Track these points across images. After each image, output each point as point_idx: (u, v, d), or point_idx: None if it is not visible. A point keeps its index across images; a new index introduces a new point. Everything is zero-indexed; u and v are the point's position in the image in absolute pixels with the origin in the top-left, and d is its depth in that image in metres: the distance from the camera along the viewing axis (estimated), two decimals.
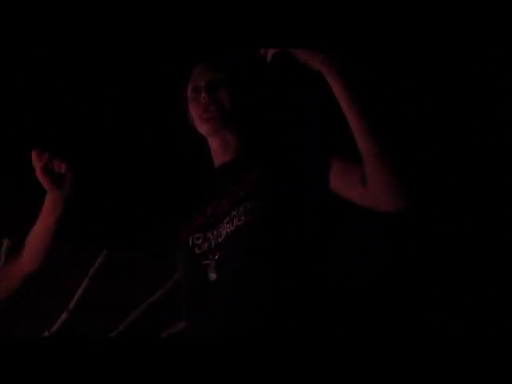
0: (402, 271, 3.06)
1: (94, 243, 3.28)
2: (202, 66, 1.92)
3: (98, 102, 2.92)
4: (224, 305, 1.68)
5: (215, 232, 1.76)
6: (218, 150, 1.89)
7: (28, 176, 1.86)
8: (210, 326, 1.69)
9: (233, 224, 1.72)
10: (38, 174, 1.82)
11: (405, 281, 3.06)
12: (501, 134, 3.00)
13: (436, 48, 2.41)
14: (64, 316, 3.51)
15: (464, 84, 2.90)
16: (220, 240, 1.74)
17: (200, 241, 1.78)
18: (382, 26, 1.85)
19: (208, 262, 1.73)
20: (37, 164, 1.81)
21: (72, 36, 2.53)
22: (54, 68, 2.77)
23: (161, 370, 1.58)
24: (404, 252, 3.10)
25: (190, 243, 1.80)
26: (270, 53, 1.63)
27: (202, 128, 1.87)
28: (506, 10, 2.26)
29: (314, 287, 1.69)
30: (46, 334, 3.54)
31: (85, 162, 2.98)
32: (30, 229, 1.94)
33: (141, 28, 2.09)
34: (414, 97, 2.92)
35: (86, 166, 2.99)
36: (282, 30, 1.67)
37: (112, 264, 3.47)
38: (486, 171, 3.08)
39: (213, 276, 1.71)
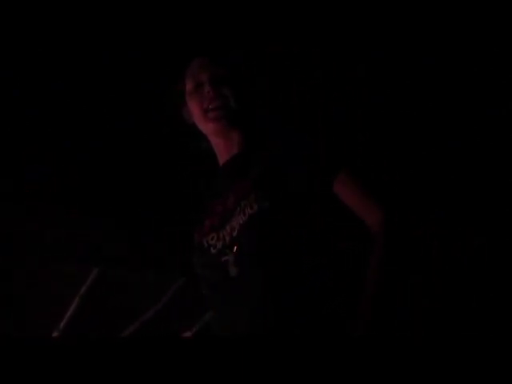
0: (401, 271, 3.06)
1: (86, 261, 3.27)
2: (201, 61, 1.84)
3: (97, 101, 2.92)
4: (249, 298, 1.63)
5: (228, 227, 1.71)
6: (223, 149, 1.84)
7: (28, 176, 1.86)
8: (238, 321, 1.64)
9: (245, 214, 1.67)
10: None
11: (404, 281, 3.06)
12: (501, 134, 3.00)
13: (436, 48, 2.41)
14: (55, 335, 3.52)
15: (464, 84, 2.90)
16: (234, 234, 1.69)
17: (214, 240, 1.73)
18: (381, 25, 1.85)
19: (227, 258, 1.68)
20: None
21: (72, 36, 2.53)
22: (54, 68, 2.77)
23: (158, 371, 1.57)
24: (404, 252, 3.10)
25: (206, 245, 1.75)
26: None
27: (207, 126, 1.81)
28: (506, 10, 2.26)
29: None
30: None
31: (85, 162, 2.98)
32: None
33: (140, 28, 2.09)
34: (413, 97, 2.92)
35: (86, 166, 2.99)
36: (283, 30, 1.67)
37: (104, 282, 3.43)
38: (486, 171, 3.08)
39: (234, 271, 1.66)
